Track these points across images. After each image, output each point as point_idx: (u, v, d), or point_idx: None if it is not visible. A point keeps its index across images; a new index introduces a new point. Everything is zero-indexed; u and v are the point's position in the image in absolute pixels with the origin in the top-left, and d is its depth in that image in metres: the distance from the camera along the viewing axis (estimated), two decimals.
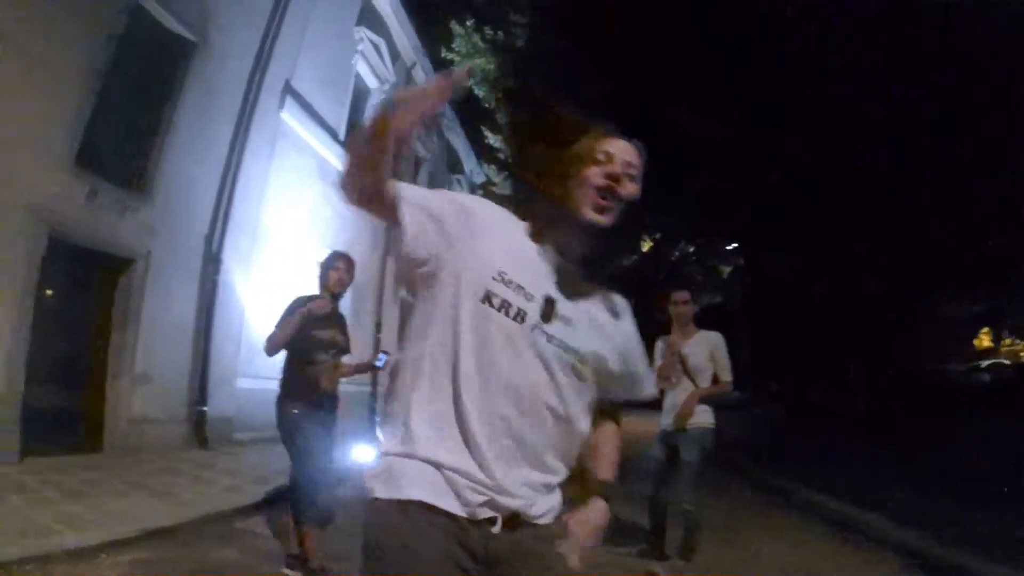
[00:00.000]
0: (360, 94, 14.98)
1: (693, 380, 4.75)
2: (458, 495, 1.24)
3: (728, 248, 15.62)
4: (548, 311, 1.33)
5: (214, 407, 9.32)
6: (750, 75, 9.98)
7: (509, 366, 1.28)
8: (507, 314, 1.29)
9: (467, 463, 1.24)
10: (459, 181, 24.62)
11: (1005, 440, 9.11)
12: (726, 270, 16.39)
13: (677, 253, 17.36)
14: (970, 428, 10.96)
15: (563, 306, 1.35)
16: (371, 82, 15.34)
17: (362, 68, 14.67)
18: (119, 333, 7.99)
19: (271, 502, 6.19)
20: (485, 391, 1.27)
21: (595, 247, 1.42)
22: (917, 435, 10.22)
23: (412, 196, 1.33)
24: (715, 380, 4.77)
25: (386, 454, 1.31)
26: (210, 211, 9.52)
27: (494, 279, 1.30)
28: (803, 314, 15.60)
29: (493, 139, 16.36)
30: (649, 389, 1.62)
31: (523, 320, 1.30)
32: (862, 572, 4.56)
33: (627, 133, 1.49)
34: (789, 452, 10.31)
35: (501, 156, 16.76)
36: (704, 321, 5.35)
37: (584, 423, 1.41)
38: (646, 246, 18.41)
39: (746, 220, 12.35)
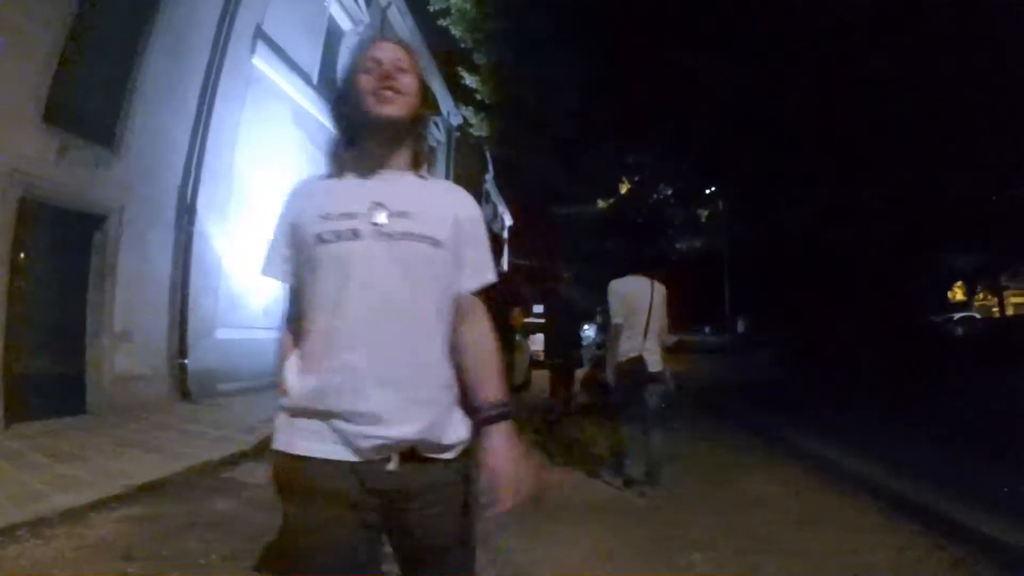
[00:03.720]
0: (333, 37, 14.55)
1: None
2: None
3: (708, 192, 15.62)
4: (378, 212, 1.35)
5: (196, 360, 9.35)
6: (750, 14, 9.73)
7: (363, 282, 1.31)
8: (342, 239, 1.33)
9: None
10: (436, 124, 24.19)
11: (1001, 391, 9.15)
12: (704, 214, 16.45)
13: (656, 196, 17.32)
14: (966, 379, 10.93)
15: (398, 201, 1.38)
16: (345, 24, 14.87)
17: (335, 10, 14.21)
18: (96, 291, 7.91)
19: (260, 451, 6.29)
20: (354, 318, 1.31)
21: (409, 140, 1.49)
22: (919, 387, 10.18)
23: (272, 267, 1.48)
24: None
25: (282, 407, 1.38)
26: (183, 162, 9.37)
27: (318, 221, 1.35)
28: (799, 261, 15.67)
29: (470, 80, 16.02)
30: (471, 282, 1.50)
31: (358, 236, 1.33)
32: (862, 522, 4.49)
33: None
34: (780, 399, 10.38)
35: (478, 97, 16.44)
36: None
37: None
38: (624, 188, 18.37)
39: (741, 166, 12.26)
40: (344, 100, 1.47)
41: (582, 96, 12.87)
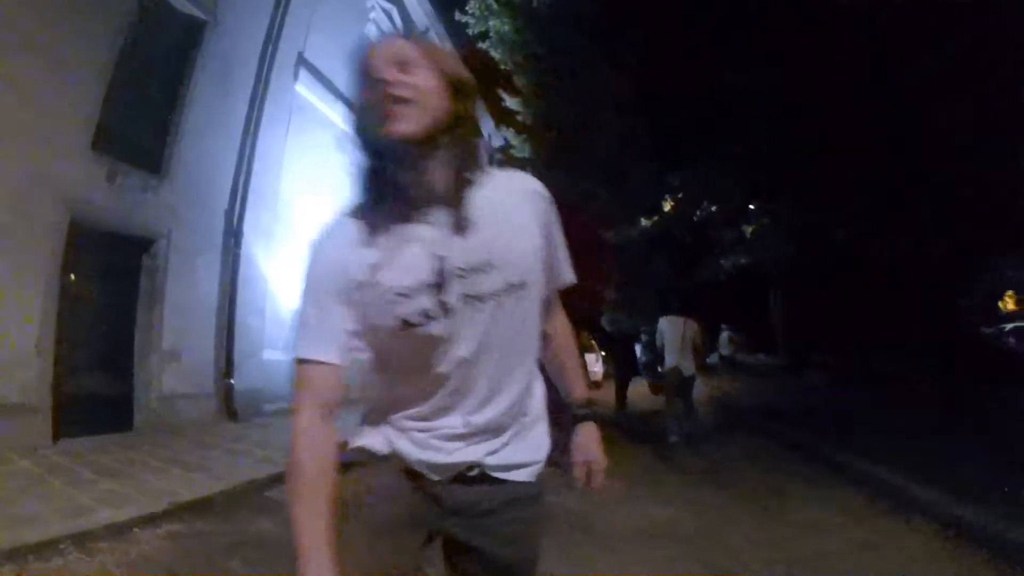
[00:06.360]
0: None
1: None
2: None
3: (752, 207, 15.19)
4: (448, 281, 1.13)
5: (242, 380, 9.48)
6: (793, 25, 9.57)
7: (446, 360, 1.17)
8: (429, 317, 1.13)
9: None
10: None
11: None
12: (749, 229, 16.00)
13: (699, 213, 16.97)
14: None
15: (469, 250, 1.15)
16: None
17: (375, 36, 14.44)
18: (145, 312, 8.12)
19: None
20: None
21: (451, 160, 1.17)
22: (976, 404, 9.67)
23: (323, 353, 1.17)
24: None
25: None
26: (229, 187, 9.59)
27: (396, 300, 1.13)
28: (848, 277, 15.25)
29: (511, 102, 16.00)
30: (568, 275, 1.41)
31: (448, 311, 1.14)
32: (926, 550, 4.18)
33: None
34: (834, 420, 9.97)
35: (519, 119, 16.42)
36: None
37: None
38: (667, 206, 18.04)
39: (792, 179, 11.97)
40: (359, 127, 1.21)
41: (620, 116, 12.79)
